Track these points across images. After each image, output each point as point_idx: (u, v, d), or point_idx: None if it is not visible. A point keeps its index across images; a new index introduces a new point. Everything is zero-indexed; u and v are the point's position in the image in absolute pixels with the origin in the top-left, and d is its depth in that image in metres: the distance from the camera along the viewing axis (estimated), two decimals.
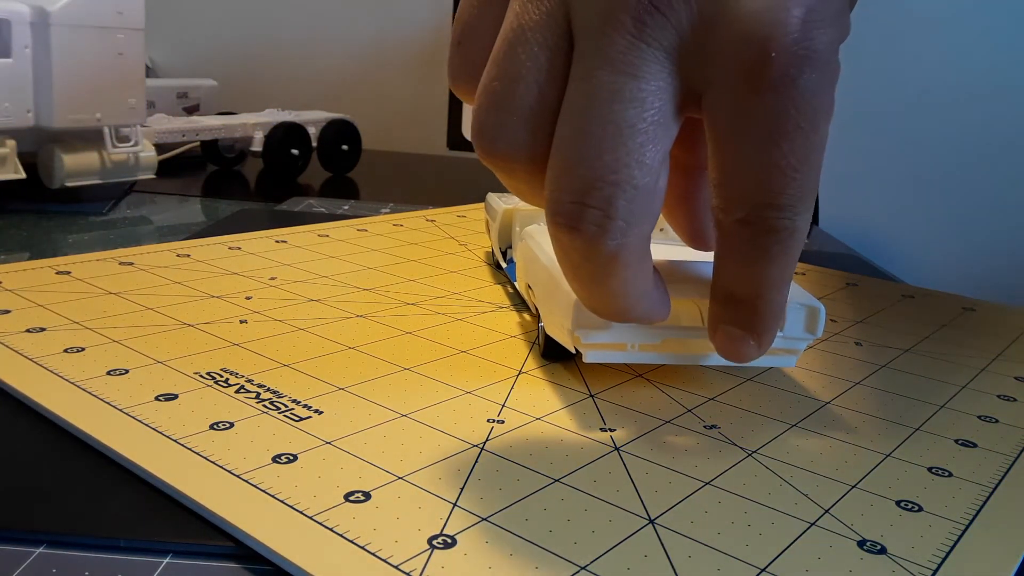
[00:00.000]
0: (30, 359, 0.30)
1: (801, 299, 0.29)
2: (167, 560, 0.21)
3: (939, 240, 1.07)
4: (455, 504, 0.22)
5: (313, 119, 0.80)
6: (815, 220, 0.91)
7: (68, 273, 0.40)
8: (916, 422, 0.30)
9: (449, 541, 0.21)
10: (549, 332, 0.32)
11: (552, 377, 0.32)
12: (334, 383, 0.30)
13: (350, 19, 1.08)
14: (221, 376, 0.30)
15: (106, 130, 0.59)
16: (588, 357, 0.29)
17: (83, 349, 0.31)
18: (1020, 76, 1.03)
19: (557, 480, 0.24)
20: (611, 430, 0.28)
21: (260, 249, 0.48)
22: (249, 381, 0.30)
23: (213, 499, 0.22)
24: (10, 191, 0.58)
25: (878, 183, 1.14)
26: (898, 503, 0.24)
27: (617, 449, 0.26)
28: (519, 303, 0.41)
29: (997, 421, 0.31)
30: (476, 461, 0.25)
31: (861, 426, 0.30)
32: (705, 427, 0.29)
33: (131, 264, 0.43)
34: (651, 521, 0.22)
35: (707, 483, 0.25)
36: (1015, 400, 0.33)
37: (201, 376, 0.30)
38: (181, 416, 0.26)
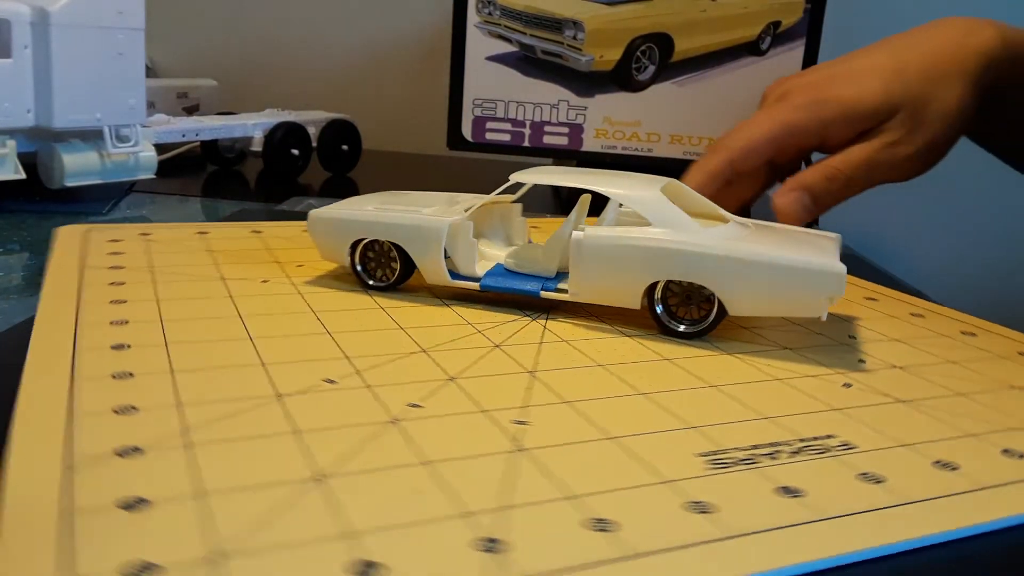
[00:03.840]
0: None
1: (824, 262, 0.33)
2: None
3: (939, 239, 1.09)
4: None
5: (313, 119, 0.80)
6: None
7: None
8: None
9: None
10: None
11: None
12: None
13: (350, 19, 1.08)
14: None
15: (106, 130, 0.58)
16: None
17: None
18: None
19: None
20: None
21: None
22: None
23: None
24: (10, 191, 0.57)
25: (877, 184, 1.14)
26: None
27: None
28: (526, 308, 0.39)
29: None
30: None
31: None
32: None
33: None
34: None
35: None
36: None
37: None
38: None
